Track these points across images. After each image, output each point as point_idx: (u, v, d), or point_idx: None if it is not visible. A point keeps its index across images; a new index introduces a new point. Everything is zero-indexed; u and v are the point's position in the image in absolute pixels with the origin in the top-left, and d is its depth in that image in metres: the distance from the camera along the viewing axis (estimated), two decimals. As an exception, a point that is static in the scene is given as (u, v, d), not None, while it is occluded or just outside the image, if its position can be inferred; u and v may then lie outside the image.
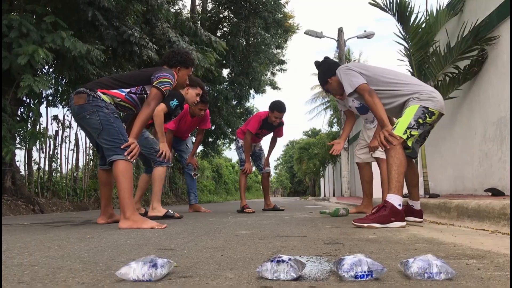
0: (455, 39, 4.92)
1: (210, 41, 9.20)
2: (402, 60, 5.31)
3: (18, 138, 5.68)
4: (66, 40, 5.09)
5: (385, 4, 4.96)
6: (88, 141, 7.70)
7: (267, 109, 5.03)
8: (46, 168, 6.63)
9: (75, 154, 7.37)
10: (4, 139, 5.02)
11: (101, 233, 2.29)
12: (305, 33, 14.53)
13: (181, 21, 9.02)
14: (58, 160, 6.95)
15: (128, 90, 2.85)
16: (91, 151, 7.83)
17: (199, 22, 12.47)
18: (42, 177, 6.51)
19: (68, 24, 5.50)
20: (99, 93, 2.76)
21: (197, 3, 14.00)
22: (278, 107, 4.91)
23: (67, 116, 7.29)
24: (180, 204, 10.98)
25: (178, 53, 3.04)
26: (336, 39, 14.98)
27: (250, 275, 1.07)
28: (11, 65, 4.86)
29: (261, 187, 5.07)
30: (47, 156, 6.65)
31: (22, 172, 6.06)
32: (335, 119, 25.68)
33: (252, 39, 13.07)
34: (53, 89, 6.66)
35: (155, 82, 2.79)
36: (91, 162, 7.84)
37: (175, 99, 3.73)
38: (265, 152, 5.44)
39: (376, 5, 5.01)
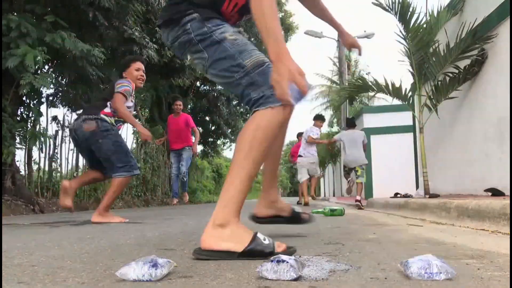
0: (454, 39, 4.92)
1: None
2: (403, 61, 5.32)
3: (18, 138, 5.66)
4: (66, 40, 5.08)
5: (388, 4, 4.96)
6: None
7: None
8: (46, 168, 6.62)
9: (75, 154, 7.36)
10: (4, 139, 5.01)
11: (101, 233, 2.29)
12: (305, 33, 14.51)
13: None
14: (58, 160, 6.94)
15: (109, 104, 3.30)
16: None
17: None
18: (42, 177, 6.50)
19: (68, 24, 5.49)
20: (102, 116, 3.18)
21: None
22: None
23: (67, 116, 7.27)
24: (180, 203, 10.95)
25: (121, 63, 3.67)
26: (336, 39, 14.97)
27: (250, 275, 1.07)
28: (8, 65, 4.84)
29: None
30: (47, 156, 6.65)
31: (22, 172, 6.05)
32: (335, 119, 25.64)
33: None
34: (53, 89, 6.66)
35: (116, 88, 3.30)
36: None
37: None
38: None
39: (379, 5, 5.02)
